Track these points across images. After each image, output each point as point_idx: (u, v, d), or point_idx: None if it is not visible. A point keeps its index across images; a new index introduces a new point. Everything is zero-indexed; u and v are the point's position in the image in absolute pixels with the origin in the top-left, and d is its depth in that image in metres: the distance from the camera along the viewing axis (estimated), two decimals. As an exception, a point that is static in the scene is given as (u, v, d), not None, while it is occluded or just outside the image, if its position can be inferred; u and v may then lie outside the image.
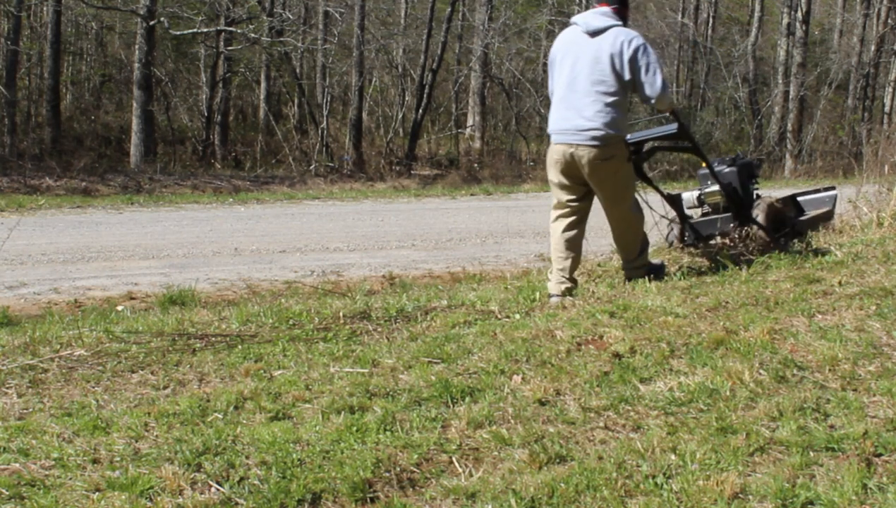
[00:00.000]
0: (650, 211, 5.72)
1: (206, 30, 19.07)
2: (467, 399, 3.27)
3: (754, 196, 6.28)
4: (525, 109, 23.16)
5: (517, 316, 4.57)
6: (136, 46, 17.75)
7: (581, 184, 4.95)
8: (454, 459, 2.78)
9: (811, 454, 2.71)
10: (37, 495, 2.49)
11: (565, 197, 5.03)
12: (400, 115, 21.38)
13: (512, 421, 3.05)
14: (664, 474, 2.61)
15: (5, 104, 17.07)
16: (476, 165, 20.58)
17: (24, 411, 3.22)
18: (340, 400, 3.23)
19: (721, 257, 5.63)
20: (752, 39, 25.33)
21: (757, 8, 26.01)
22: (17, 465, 2.67)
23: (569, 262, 5.08)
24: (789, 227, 6.25)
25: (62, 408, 3.24)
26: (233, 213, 11.86)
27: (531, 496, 2.51)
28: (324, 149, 19.75)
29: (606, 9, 4.87)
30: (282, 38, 19.37)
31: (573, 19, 4.99)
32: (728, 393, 3.20)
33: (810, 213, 7.02)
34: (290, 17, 20.63)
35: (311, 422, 3.05)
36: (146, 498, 2.48)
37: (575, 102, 4.81)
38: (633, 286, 5.07)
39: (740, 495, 2.49)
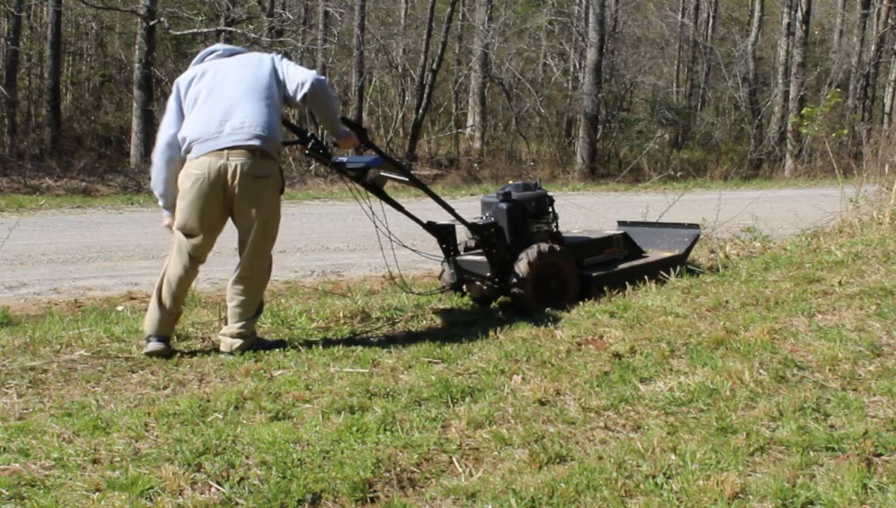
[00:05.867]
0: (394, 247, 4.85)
1: (206, 30, 19.05)
2: (467, 399, 3.27)
3: (553, 231, 5.09)
4: (525, 109, 23.16)
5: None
6: (136, 46, 17.74)
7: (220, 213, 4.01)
8: (454, 459, 2.78)
9: (811, 454, 2.71)
10: (37, 495, 2.49)
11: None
12: (400, 115, 21.37)
13: (512, 421, 3.05)
14: (664, 474, 2.61)
15: (5, 104, 17.07)
16: (476, 165, 20.57)
17: (24, 411, 3.22)
18: (340, 400, 3.24)
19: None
20: (752, 39, 25.33)
21: (757, 8, 26.00)
22: (18, 465, 2.67)
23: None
24: (571, 285, 4.92)
25: (62, 408, 3.24)
26: (233, 213, 11.84)
27: (531, 496, 2.50)
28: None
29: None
30: (282, 38, 19.35)
31: None
32: (728, 393, 3.20)
33: (652, 256, 5.57)
34: (290, 17, 20.62)
35: (311, 422, 3.05)
36: (146, 498, 2.48)
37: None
38: (634, 287, 5.05)
39: (740, 495, 2.49)
